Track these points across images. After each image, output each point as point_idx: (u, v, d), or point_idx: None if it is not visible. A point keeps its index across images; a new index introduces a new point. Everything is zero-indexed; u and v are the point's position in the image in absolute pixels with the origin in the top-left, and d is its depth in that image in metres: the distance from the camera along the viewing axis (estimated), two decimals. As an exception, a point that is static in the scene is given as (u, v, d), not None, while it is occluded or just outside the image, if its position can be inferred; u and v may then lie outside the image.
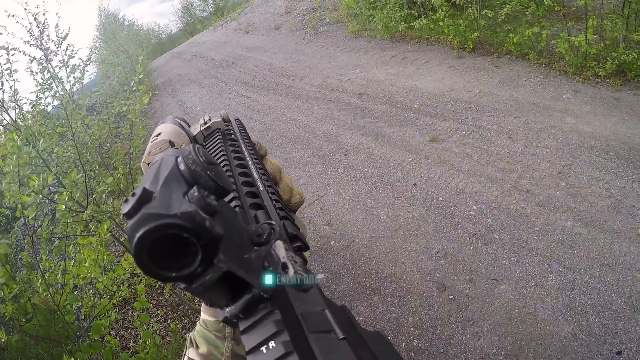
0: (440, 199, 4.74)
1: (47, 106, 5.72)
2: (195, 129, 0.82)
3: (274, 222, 0.44)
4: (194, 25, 31.18)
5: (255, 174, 0.65)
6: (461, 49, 8.28)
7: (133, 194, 0.35)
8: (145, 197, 0.35)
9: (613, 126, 5.34)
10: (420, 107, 6.76)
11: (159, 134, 0.77)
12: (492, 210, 4.43)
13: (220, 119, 0.82)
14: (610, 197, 4.25)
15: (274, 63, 11.56)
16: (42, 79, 6.19)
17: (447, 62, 8.08)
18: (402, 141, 5.98)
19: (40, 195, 2.82)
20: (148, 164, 0.67)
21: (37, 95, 5.41)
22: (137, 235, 0.32)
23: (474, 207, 4.49)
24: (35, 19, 7.02)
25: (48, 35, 7.52)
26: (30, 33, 7.11)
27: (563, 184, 4.53)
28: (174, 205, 0.33)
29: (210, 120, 0.82)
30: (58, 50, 7.66)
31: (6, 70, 3.28)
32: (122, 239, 4.22)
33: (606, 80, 6.34)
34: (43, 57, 7.36)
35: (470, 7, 7.81)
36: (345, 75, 8.92)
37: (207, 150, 0.71)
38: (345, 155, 6.08)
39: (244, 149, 0.74)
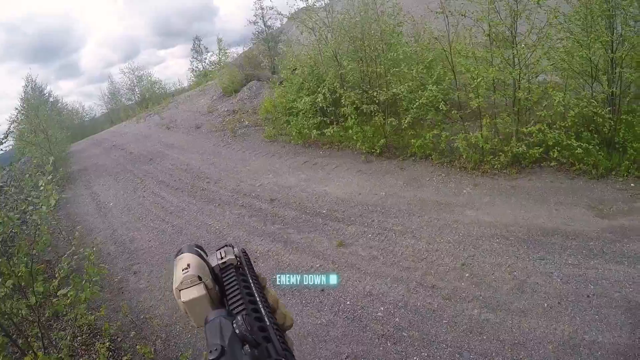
0: (348, 302, 4.73)
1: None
2: (213, 261, 0.95)
3: None
4: (118, 112, 31.33)
5: (260, 306, 0.80)
6: (369, 154, 8.91)
7: (216, 349, 0.60)
8: (222, 350, 0.60)
9: (511, 212, 5.84)
10: (328, 213, 6.98)
11: (188, 265, 0.88)
12: (400, 309, 4.48)
13: (233, 256, 0.96)
14: (514, 279, 4.51)
15: (191, 164, 11.70)
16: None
17: (355, 166, 8.57)
18: (311, 247, 6.05)
19: None
20: (180, 291, 0.83)
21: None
22: None
23: (381, 308, 4.52)
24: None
25: None
26: None
27: (467, 275, 4.75)
28: (238, 356, 0.59)
29: (225, 256, 0.95)
30: None
31: None
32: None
33: (503, 171, 7.09)
34: None
35: (377, 116, 8.50)
36: (258, 180, 9.12)
37: (224, 283, 0.89)
38: (255, 262, 6.00)
39: (252, 284, 0.89)
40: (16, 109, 21.13)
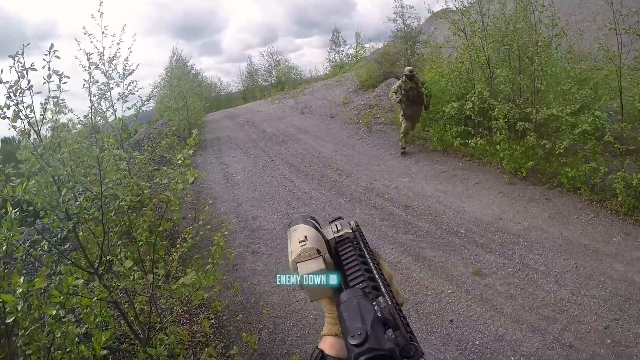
0: (477, 342, 4.80)
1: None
2: (328, 234, 0.99)
3: (417, 344, 0.62)
4: (253, 91, 33.43)
5: (379, 280, 0.81)
6: (513, 175, 8.67)
7: (360, 333, 0.60)
8: (366, 335, 0.60)
9: None
10: (466, 233, 6.99)
11: (305, 237, 0.92)
12: (532, 363, 4.37)
13: (349, 230, 0.99)
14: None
15: (323, 152, 12.18)
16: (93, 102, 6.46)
17: (497, 186, 8.42)
18: (444, 269, 6.14)
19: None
20: (297, 263, 0.87)
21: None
22: (365, 357, 0.57)
23: (512, 357, 4.56)
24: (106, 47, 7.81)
25: (116, 65, 8.27)
26: (100, 56, 7.83)
27: (609, 341, 4.59)
28: (382, 342, 0.59)
29: (342, 229, 0.99)
30: (121, 82, 8.39)
31: (53, 98, 3.34)
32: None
33: None
34: (104, 84, 8.09)
35: (529, 135, 8.11)
36: (392, 182, 9.25)
37: (342, 256, 0.91)
38: (384, 271, 6.12)
39: (368, 258, 0.90)
40: (160, 76, 23.32)
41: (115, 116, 8.83)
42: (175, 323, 5.34)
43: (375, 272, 0.84)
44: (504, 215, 7.27)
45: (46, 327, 3.11)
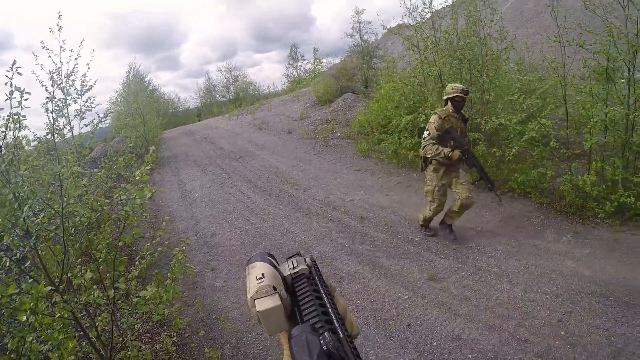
0: (435, 344, 4.80)
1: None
2: (285, 271, 1.02)
3: None
4: (211, 107, 33.32)
5: (333, 317, 0.86)
6: (466, 183, 8.57)
7: None
8: None
9: (613, 269, 5.67)
10: (421, 241, 7.09)
11: (263, 274, 0.96)
12: (489, 360, 4.40)
13: (305, 266, 1.02)
14: (611, 345, 4.40)
15: (281, 167, 12.14)
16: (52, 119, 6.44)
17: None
18: (400, 276, 6.17)
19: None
20: (255, 300, 0.91)
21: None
22: None
23: (470, 356, 4.58)
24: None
25: (73, 81, 8.14)
26: (58, 72, 7.68)
27: (562, 333, 4.68)
28: None
29: (297, 265, 1.02)
30: (78, 99, 8.24)
31: (15, 115, 3.29)
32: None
33: (605, 221, 6.85)
34: (62, 100, 7.96)
35: (480, 145, 8.45)
36: (348, 195, 9.29)
37: (297, 293, 0.95)
38: (340, 282, 6.19)
39: (323, 293, 0.95)
40: (116, 91, 23.02)
41: (72, 133, 8.72)
42: (137, 342, 5.25)
43: (329, 306, 0.89)
44: (458, 222, 7.37)
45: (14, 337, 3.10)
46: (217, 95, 36.94)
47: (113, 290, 3.78)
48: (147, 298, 3.72)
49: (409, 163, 10.42)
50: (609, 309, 4.87)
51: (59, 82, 7.72)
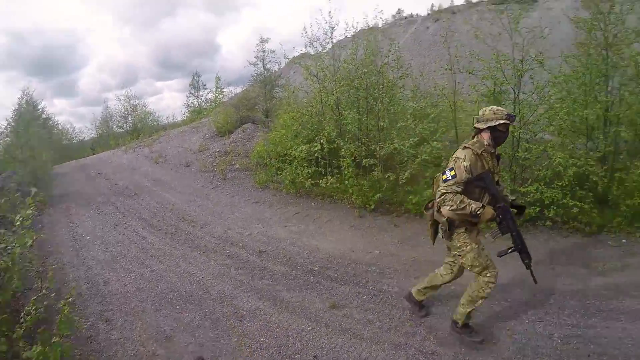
0: (342, 371, 4.52)
1: None
2: None
3: None
4: (107, 138, 31.37)
5: None
6: (363, 208, 8.93)
7: None
8: None
9: (510, 274, 5.78)
10: (320, 270, 6.89)
11: None
12: (398, 379, 4.30)
13: None
14: (515, 342, 4.56)
15: (177, 203, 11.55)
16: None
17: (349, 221, 8.60)
18: (302, 307, 5.88)
19: None
20: None
21: None
22: None
23: (379, 377, 4.31)
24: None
25: None
26: None
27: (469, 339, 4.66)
28: None
29: None
30: None
31: None
32: None
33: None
34: None
35: (375, 170, 8.69)
36: (247, 229, 8.99)
37: None
38: (241, 321, 5.78)
39: None
40: (7, 120, 21.07)
41: None
42: None
43: None
44: (356, 247, 7.33)
45: None
46: (114, 126, 35.02)
47: None
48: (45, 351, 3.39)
49: (306, 192, 10.38)
50: (510, 311, 5.13)
51: None
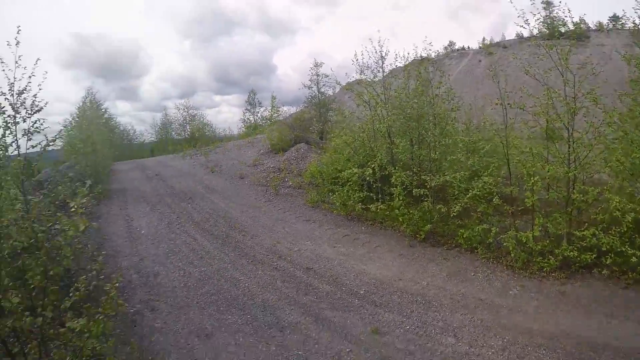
0: (379, 401, 4.45)
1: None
2: None
3: None
4: (165, 144, 32.89)
5: None
6: (413, 237, 8.85)
7: None
8: None
9: (560, 321, 5.60)
10: (366, 294, 6.87)
11: None
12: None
13: None
14: None
15: (230, 212, 11.78)
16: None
17: (398, 249, 8.53)
18: (344, 328, 5.90)
19: None
20: None
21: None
22: None
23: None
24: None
25: (25, 99, 7.77)
26: (10, 87, 7.35)
27: None
28: None
29: None
30: (28, 118, 7.89)
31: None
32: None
33: (551, 274, 6.88)
34: (11, 117, 7.63)
35: (426, 200, 8.59)
36: (295, 245, 9.05)
37: None
38: (281, 332, 5.86)
39: None
40: (71, 115, 22.22)
41: (19, 152, 8.35)
42: None
43: None
44: (404, 276, 7.25)
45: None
46: (173, 133, 36.92)
47: (42, 318, 3.62)
48: (76, 330, 3.59)
49: (357, 215, 10.39)
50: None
51: (11, 98, 7.66)
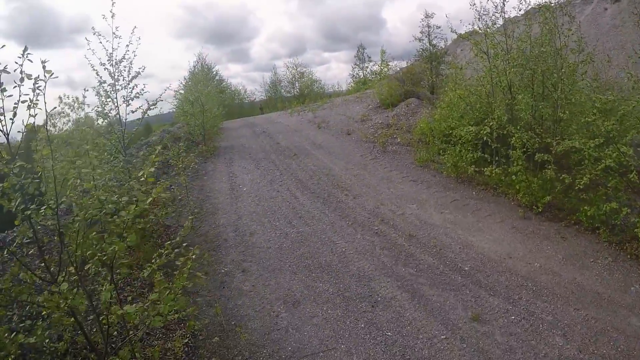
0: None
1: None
2: None
3: None
4: (275, 102, 34.45)
5: None
6: (528, 209, 8.13)
7: None
8: None
9: None
10: (470, 271, 6.48)
11: None
12: None
13: None
14: None
15: (334, 170, 11.85)
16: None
17: (510, 220, 7.91)
18: (441, 311, 5.62)
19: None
20: None
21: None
22: None
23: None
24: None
25: (124, 67, 9.16)
26: (109, 57, 8.83)
27: None
28: None
29: None
30: (127, 85, 8.66)
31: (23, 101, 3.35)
32: None
33: None
34: (111, 85, 9.09)
35: (548, 168, 7.59)
36: (400, 208, 8.81)
37: None
38: (373, 307, 5.73)
39: None
40: (183, 78, 23.72)
41: (120, 118, 8.94)
42: (149, 336, 5.25)
43: None
44: (514, 254, 6.73)
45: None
46: (282, 91, 38.23)
47: (110, 293, 3.70)
48: (144, 308, 3.66)
49: (469, 179, 9.80)
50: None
51: (109, 67, 8.25)
